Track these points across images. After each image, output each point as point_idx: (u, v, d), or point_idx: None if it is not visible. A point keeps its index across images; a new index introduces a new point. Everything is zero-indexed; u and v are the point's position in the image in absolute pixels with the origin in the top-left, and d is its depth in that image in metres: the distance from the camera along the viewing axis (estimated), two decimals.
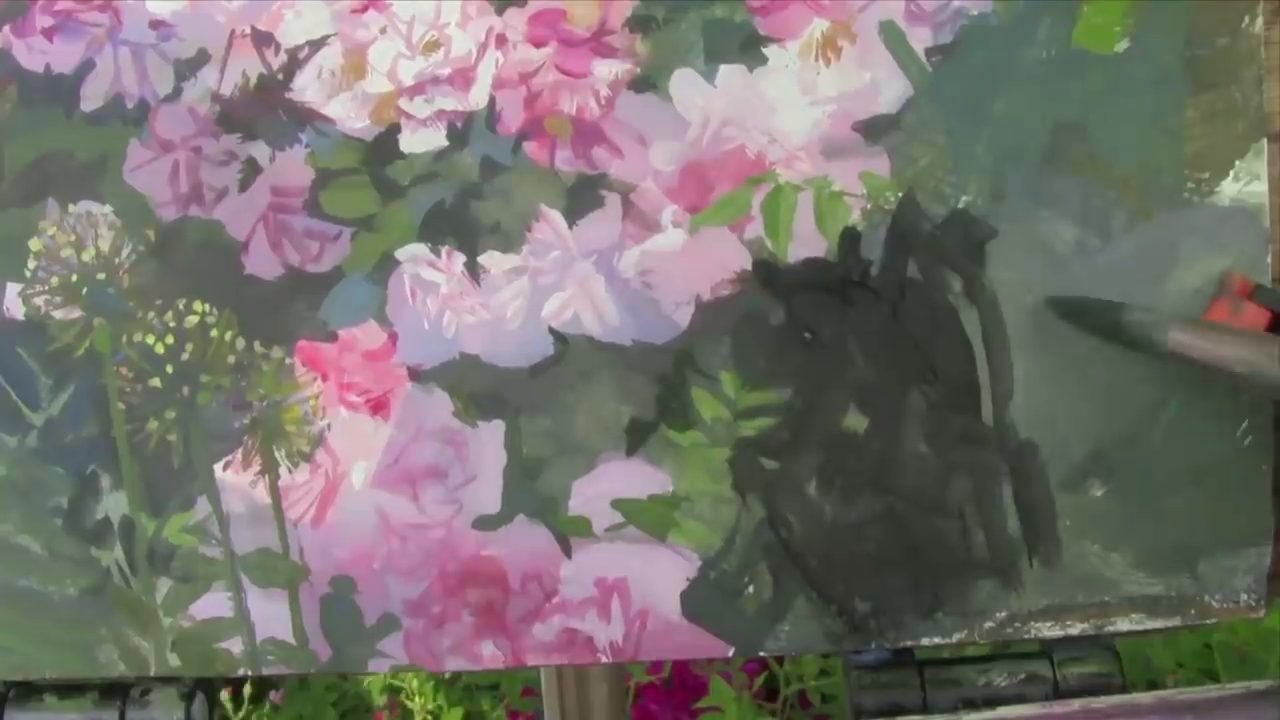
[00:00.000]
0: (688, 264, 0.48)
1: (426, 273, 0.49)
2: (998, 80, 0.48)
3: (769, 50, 0.48)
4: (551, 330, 0.49)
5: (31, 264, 0.49)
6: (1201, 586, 0.49)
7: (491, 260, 0.49)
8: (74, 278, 0.49)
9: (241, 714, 0.98)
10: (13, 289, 0.50)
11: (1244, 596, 0.49)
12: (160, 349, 0.49)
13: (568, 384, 0.49)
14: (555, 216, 0.48)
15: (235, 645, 0.50)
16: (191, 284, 0.49)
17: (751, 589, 0.49)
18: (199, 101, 0.49)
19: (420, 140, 0.49)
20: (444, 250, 0.49)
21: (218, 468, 0.50)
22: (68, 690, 0.51)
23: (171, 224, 0.49)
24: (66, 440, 0.50)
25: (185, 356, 0.49)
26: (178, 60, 0.49)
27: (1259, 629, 0.91)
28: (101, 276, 0.49)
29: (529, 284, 0.49)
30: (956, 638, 0.49)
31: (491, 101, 0.48)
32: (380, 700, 1.01)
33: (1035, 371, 0.48)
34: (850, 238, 0.48)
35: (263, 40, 0.49)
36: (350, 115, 0.49)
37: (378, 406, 0.49)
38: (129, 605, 0.50)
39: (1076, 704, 0.48)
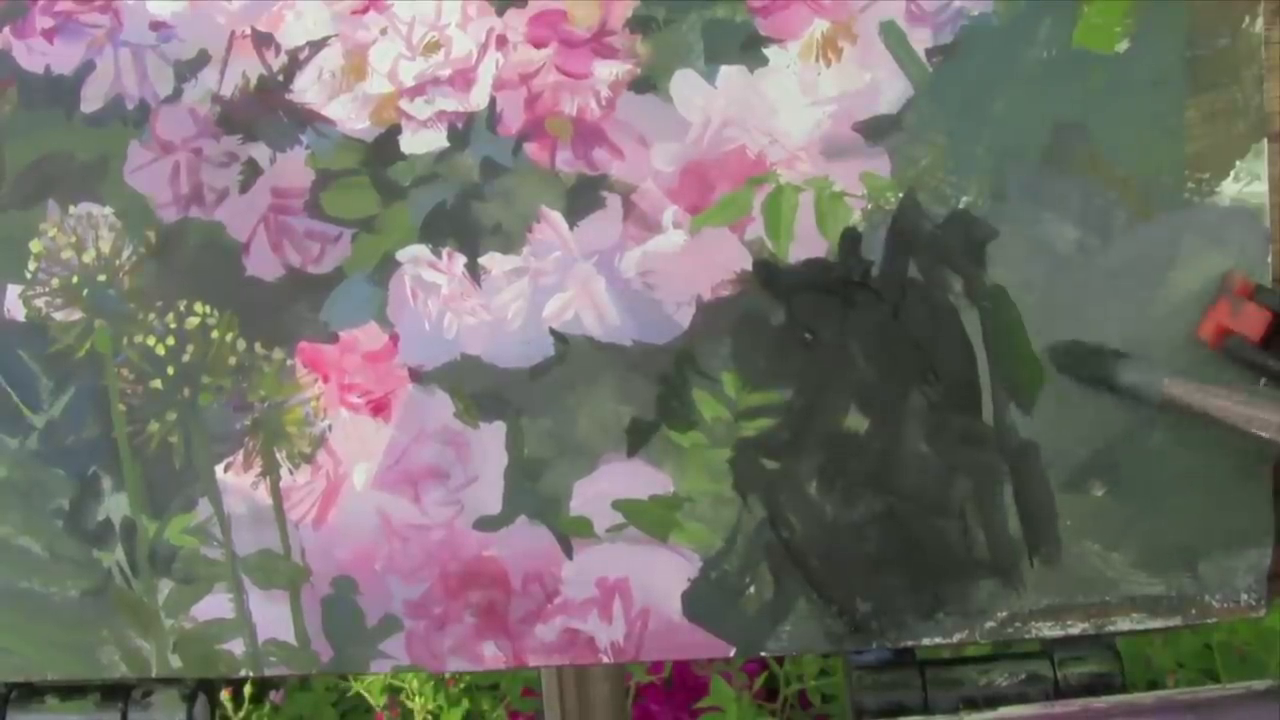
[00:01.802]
0: (688, 264, 0.48)
1: (427, 274, 0.49)
2: (998, 80, 0.48)
3: (770, 51, 0.48)
4: (552, 331, 0.49)
5: (32, 265, 0.49)
6: (1202, 586, 0.49)
7: (492, 261, 0.49)
8: (75, 279, 0.49)
9: (242, 714, 0.98)
10: (13, 290, 0.50)
11: (1244, 596, 0.49)
12: (161, 350, 0.49)
13: (569, 385, 0.49)
14: (556, 217, 0.49)
15: (237, 646, 0.50)
16: (192, 285, 0.49)
17: (753, 589, 0.49)
18: (199, 103, 0.49)
19: (421, 141, 0.49)
20: (445, 251, 0.49)
21: (219, 469, 0.50)
22: (69, 692, 0.51)
23: (172, 225, 0.49)
24: (67, 442, 0.50)
25: (186, 358, 0.49)
26: (178, 61, 0.49)
27: (1259, 629, 0.91)
28: (102, 278, 0.49)
29: (530, 285, 0.49)
30: (957, 638, 0.49)
31: (492, 102, 0.48)
32: (380, 700, 1.01)
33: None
34: (851, 238, 0.48)
35: (263, 41, 0.49)
36: (351, 116, 0.49)
37: (379, 408, 0.49)
38: (130, 607, 0.50)
39: (1077, 704, 0.48)
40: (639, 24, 0.48)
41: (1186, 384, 0.45)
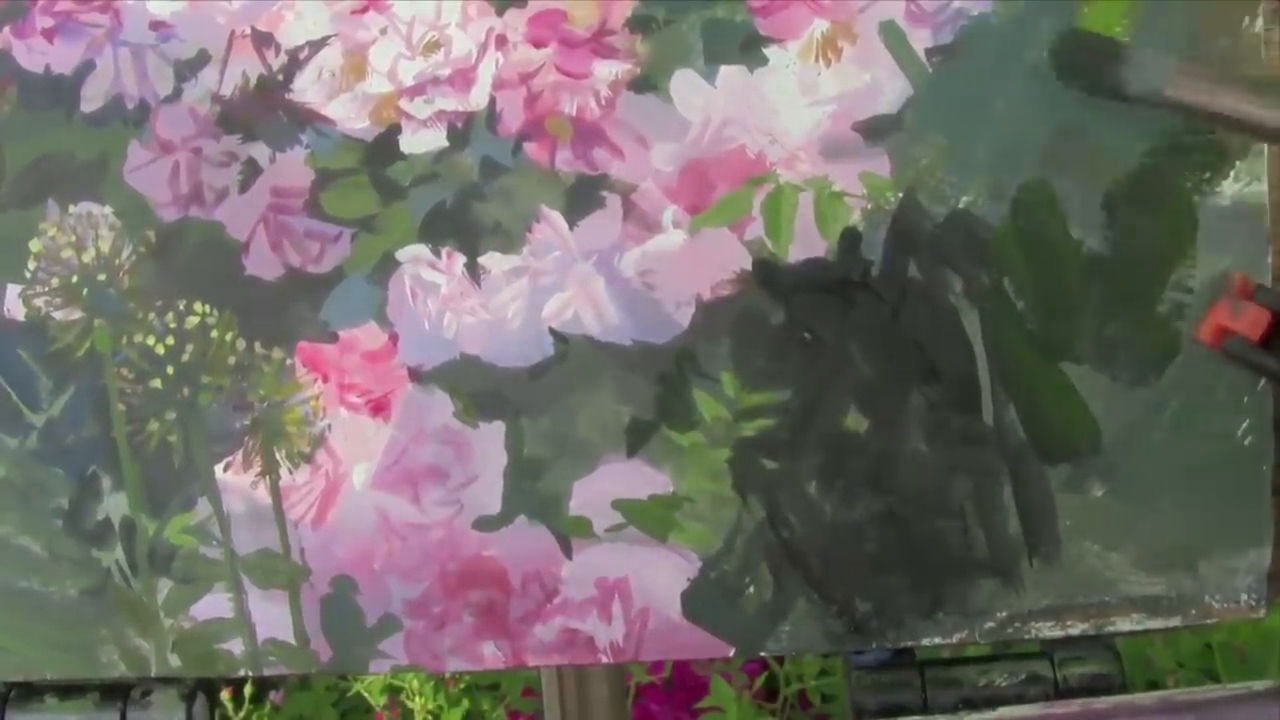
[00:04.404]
0: (688, 264, 0.48)
1: (427, 273, 0.49)
2: (998, 80, 0.47)
3: (769, 51, 0.48)
4: (552, 331, 0.49)
5: (32, 265, 0.49)
6: (1202, 586, 0.49)
7: (492, 261, 0.49)
8: (74, 278, 0.49)
9: (242, 714, 0.98)
10: (13, 290, 0.50)
11: (1244, 596, 0.49)
12: (161, 350, 0.49)
13: (568, 384, 0.49)
14: (556, 217, 0.48)
15: (236, 646, 0.50)
16: (192, 285, 0.49)
17: (752, 589, 0.49)
18: (199, 102, 0.49)
19: (420, 141, 0.49)
20: (444, 251, 0.49)
21: (218, 468, 0.50)
22: (68, 691, 0.51)
23: (172, 225, 0.49)
24: (67, 441, 0.50)
25: (186, 357, 0.49)
26: (178, 61, 0.49)
27: (1259, 629, 0.91)
28: (102, 277, 0.49)
29: (529, 284, 0.49)
30: (957, 638, 0.49)
31: (492, 102, 0.48)
32: (380, 700, 1.01)
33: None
34: (850, 238, 0.48)
35: (263, 41, 0.49)
36: (350, 116, 0.49)
37: (378, 407, 0.49)
38: (130, 606, 0.50)
39: (1077, 704, 0.48)
40: (639, 24, 0.48)
41: (1192, 80, 0.42)
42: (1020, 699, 0.50)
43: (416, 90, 0.49)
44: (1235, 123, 0.41)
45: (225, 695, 0.97)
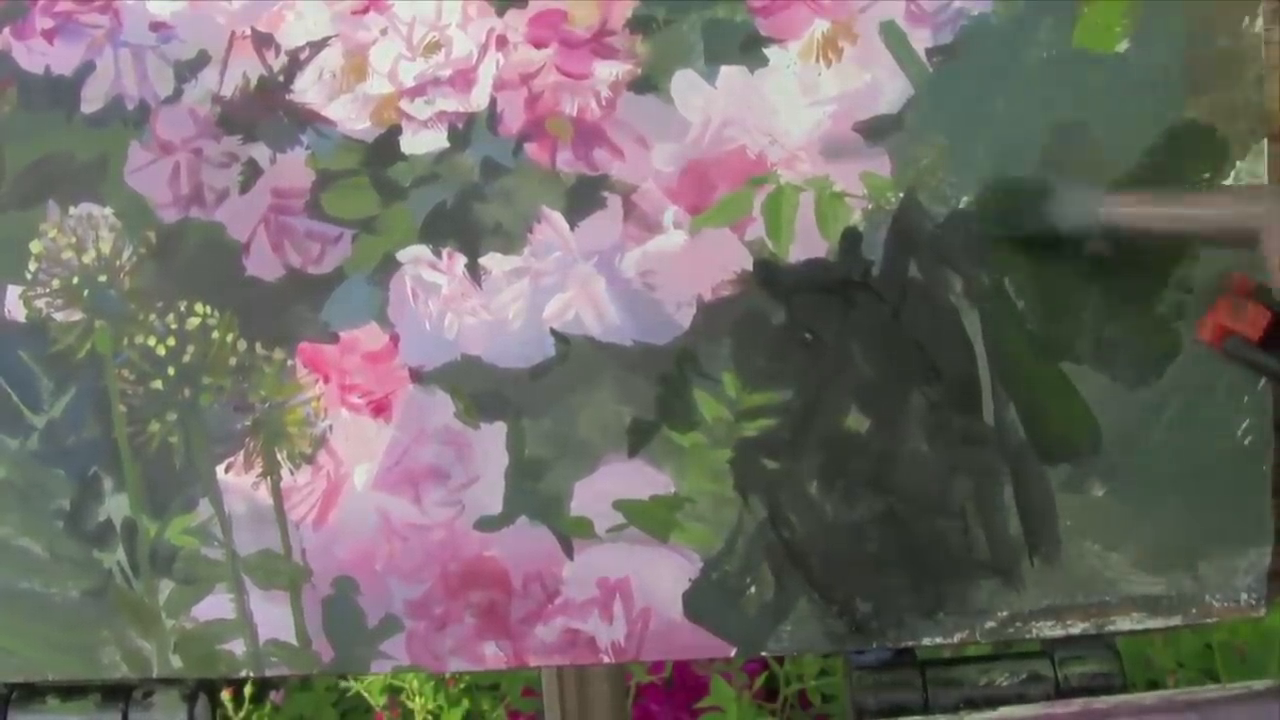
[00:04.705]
0: (689, 264, 0.48)
1: (428, 274, 0.49)
2: (998, 80, 0.48)
3: (770, 51, 0.48)
4: (553, 331, 0.49)
5: (32, 266, 0.49)
6: (1202, 586, 0.49)
7: (493, 261, 0.49)
8: (75, 280, 0.49)
9: (242, 714, 0.98)
10: (14, 291, 0.50)
11: (1244, 596, 0.49)
12: (162, 351, 0.49)
13: (569, 385, 0.49)
14: (556, 217, 0.49)
15: (237, 646, 0.50)
16: (192, 286, 0.49)
17: (753, 589, 0.49)
18: (199, 103, 0.49)
19: (421, 142, 0.49)
20: (445, 252, 0.49)
21: (220, 469, 0.50)
22: (70, 692, 0.51)
23: (172, 226, 0.49)
24: (68, 442, 0.50)
25: (187, 358, 0.49)
26: (178, 62, 0.49)
27: (1259, 628, 0.91)
28: (102, 278, 0.49)
29: (530, 285, 0.49)
30: (958, 637, 0.49)
31: (492, 103, 0.48)
32: (380, 700, 1.01)
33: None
34: (851, 238, 0.48)
35: (263, 41, 0.49)
36: (351, 117, 0.49)
37: (379, 408, 0.49)
38: (131, 607, 0.50)
39: (1078, 703, 0.48)
40: (639, 24, 0.48)
41: (1124, 200, 0.43)
42: (1021, 698, 0.50)
43: (417, 91, 0.49)
44: (1177, 235, 0.42)
45: (225, 696, 0.97)
